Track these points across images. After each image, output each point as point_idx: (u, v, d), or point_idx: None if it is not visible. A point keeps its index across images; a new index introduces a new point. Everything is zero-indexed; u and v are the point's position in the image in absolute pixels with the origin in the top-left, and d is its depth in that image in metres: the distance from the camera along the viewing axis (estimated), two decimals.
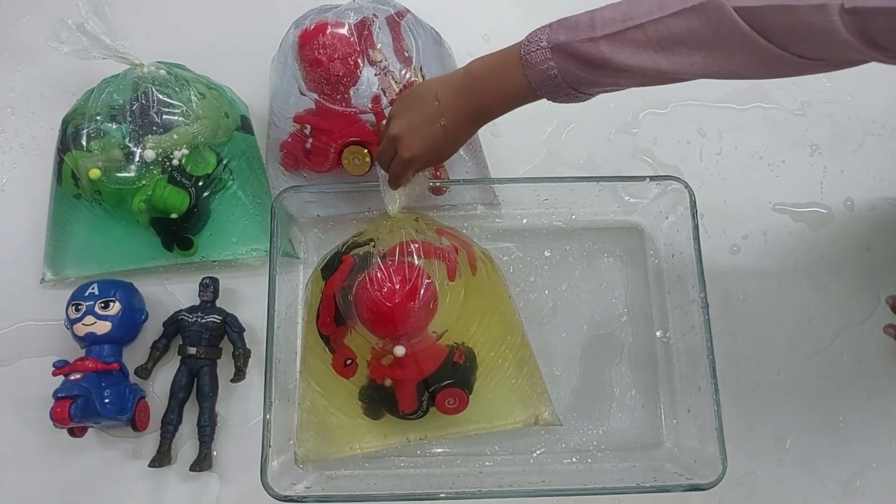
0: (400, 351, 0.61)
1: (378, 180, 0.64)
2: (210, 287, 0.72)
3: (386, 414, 0.66)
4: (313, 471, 0.68)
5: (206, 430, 0.69)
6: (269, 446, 0.63)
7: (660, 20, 0.49)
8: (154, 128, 0.70)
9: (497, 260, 0.73)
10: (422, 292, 0.61)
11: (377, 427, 0.67)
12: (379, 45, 0.69)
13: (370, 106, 0.69)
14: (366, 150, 0.69)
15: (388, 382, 0.64)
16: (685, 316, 0.71)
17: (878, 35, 0.44)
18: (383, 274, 0.61)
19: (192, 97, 0.72)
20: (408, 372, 0.63)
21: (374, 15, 0.69)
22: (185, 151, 0.70)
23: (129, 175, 0.70)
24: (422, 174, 0.64)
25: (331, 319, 0.65)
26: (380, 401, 0.65)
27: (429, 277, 0.62)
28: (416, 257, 0.62)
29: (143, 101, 0.70)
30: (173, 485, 0.70)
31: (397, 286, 0.60)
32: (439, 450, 0.70)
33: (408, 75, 0.69)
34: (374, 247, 0.64)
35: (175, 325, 0.72)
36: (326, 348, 0.66)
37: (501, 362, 0.67)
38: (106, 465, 0.71)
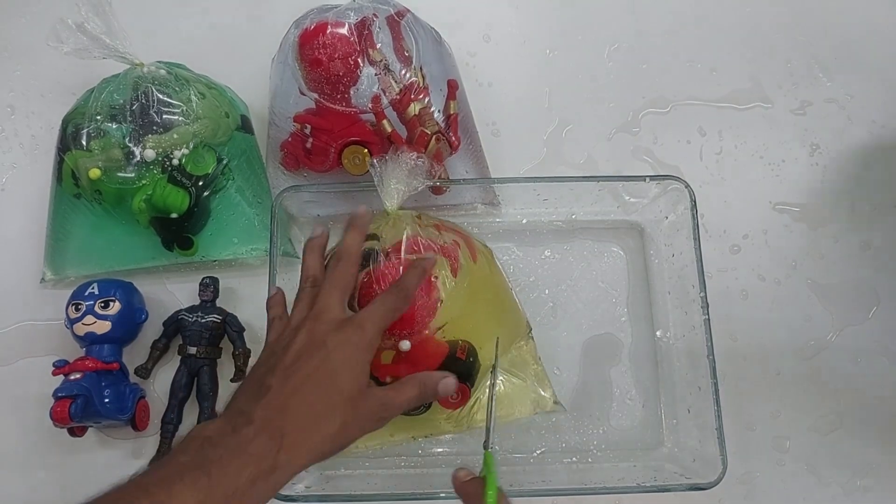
0: (406, 345, 0.61)
1: (376, 179, 0.64)
2: (210, 287, 0.72)
3: (401, 430, 0.66)
4: (313, 471, 0.68)
5: None
6: None
7: None
8: (154, 127, 0.70)
9: (497, 260, 0.73)
10: (427, 289, 0.61)
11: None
12: (379, 45, 0.69)
13: (370, 106, 0.69)
14: (366, 150, 0.69)
15: (389, 380, 0.64)
16: (685, 316, 0.71)
17: None
18: (389, 271, 0.61)
19: (192, 97, 0.72)
20: (410, 369, 0.62)
21: (374, 15, 0.69)
22: (186, 151, 0.70)
23: (130, 175, 0.70)
24: (419, 169, 0.63)
25: None
26: None
27: (435, 276, 0.62)
28: (422, 253, 0.62)
29: (144, 101, 0.70)
30: None
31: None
32: (439, 449, 0.70)
33: (408, 75, 0.69)
34: (378, 242, 0.63)
35: (175, 325, 0.72)
36: None
37: (503, 353, 0.67)
38: (106, 464, 0.71)
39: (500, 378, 0.67)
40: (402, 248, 0.62)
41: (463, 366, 0.64)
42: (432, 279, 0.61)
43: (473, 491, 0.50)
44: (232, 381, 0.70)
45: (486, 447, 0.54)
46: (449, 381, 0.54)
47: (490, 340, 0.66)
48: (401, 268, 0.61)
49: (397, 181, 0.63)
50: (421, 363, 0.62)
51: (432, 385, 0.53)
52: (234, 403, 0.48)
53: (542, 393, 0.69)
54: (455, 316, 0.63)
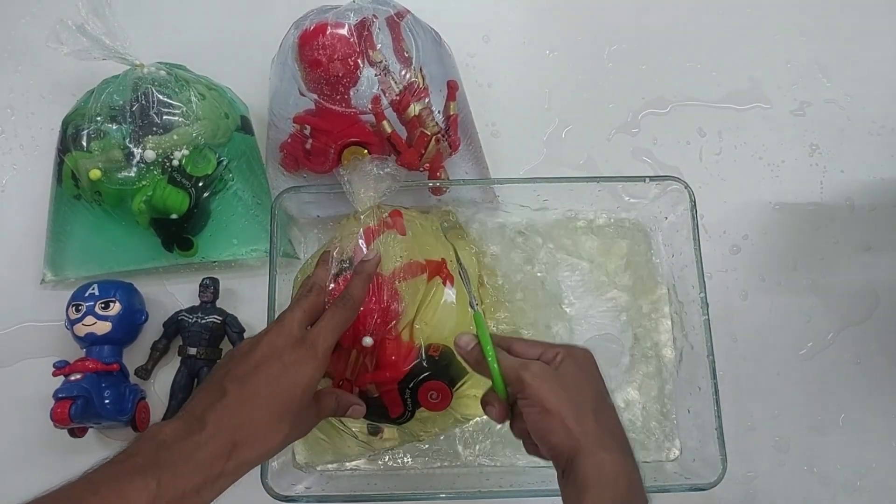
0: (368, 341, 0.61)
1: (345, 188, 0.64)
2: (210, 287, 0.72)
3: (384, 430, 0.66)
4: (314, 471, 0.68)
5: None
6: None
7: None
8: (154, 128, 0.70)
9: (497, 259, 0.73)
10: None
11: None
12: (379, 46, 0.69)
13: (370, 106, 0.69)
14: (366, 151, 0.70)
15: (374, 393, 0.63)
16: (685, 316, 0.71)
17: None
18: (335, 285, 0.61)
19: (192, 98, 0.72)
20: (385, 373, 0.62)
21: (374, 15, 0.69)
22: (185, 152, 0.70)
23: (130, 176, 0.70)
24: (385, 175, 0.63)
25: None
26: (373, 412, 0.65)
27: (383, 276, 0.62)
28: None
29: (143, 102, 0.70)
30: None
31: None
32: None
33: (407, 76, 0.69)
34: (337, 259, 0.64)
35: (175, 326, 0.72)
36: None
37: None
38: None
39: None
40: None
41: (437, 363, 0.63)
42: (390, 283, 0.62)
43: (476, 357, 0.54)
44: None
45: (472, 307, 0.56)
46: (358, 409, 0.58)
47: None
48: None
49: (365, 188, 0.64)
50: (394, 365, 0.62)
51: (345, 403, 0.58)
52: (192, 403, 0.50)
53: None
54: (413, 310, 0.63)
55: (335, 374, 0.65)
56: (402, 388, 0.62)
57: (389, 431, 0.67)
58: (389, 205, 0.68)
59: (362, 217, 0.64)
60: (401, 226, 0.65)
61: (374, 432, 0.66)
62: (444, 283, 0.65)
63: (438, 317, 0.63)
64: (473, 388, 0.64)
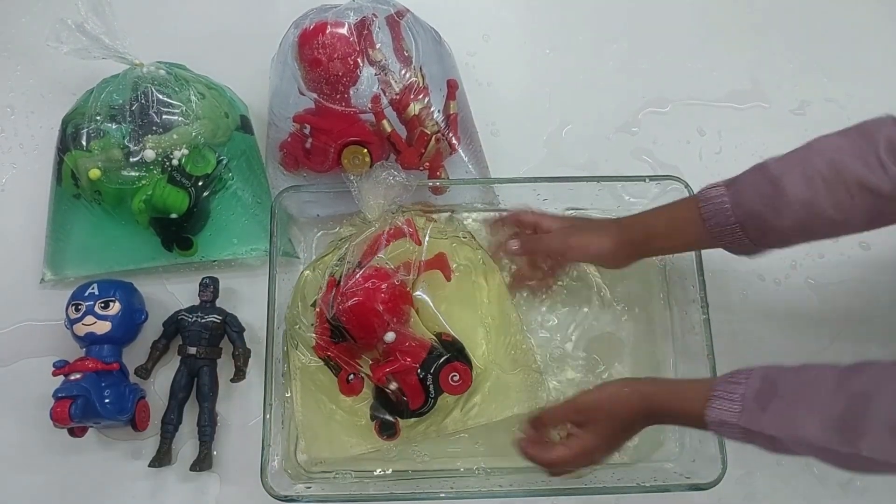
0: (390, 336, 0.63)
1: (354, 194, 0.66)
2: (210, 287, 0.72)
3: (401, 432, 0.66)
4: (313, 471, 0.68)
5: (206, 430, 0.69)
6: (269, 446, 0.63)
7: None
8: (154, 128, 0.70)
9: (496, 259, 0.73)
10: (383, 286, 0.63)
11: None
12: (378, 45, 0.69)
13: (370, 105, 0.69)
14: (365, 150, 0.69)
15: (392, 387, 0.64)
16: (685, 316, 0.71)
17: None
18: (345, 283, 0.63)
19: (192, 97, 0.72)
20: (406, 359, 0.63)
21: (374, 14, 0.69)
22: (185, 151, 0.70)
23: (129, 175, 0.70)
24: (397, 185, 0.65)
25: (327, 340, 0.66)
26: (391, 407, 0.65)
27: (392, 274, 0.64)
28: (381, 254, 0.65)
29: (143, 101, 0.70)
30: (173, 485, 0.70)
31: (358, 289, 0.63)
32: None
33: (407, 75, 0.69)
34: (347, 259, 0.66)
35: (175, 325, 0.72)
36: (330, 369, 0.67)
37: (495, 355, 0.68)
38: (106, 465, 0.71)
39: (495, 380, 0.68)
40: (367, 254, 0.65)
41: (453, 345, 0.65)
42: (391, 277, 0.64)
43: None
44: (232, 381, 0.70)
45: None
46: None
47: (480, 338, 0.67)
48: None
49: (375, 196, 0.65)
50: (412, 353, 0.63)
51: None
52: None
53: (538, 394, 0.69)
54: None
55: (342, 368, 0.65)
56: (424, 376, 0.63)
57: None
58: (408, 207, 0.69)
59: (374, 222, 0.66)
60: (415, 235, 0.66)
61: (392, 433, 0.66)
62: (444, 271, 0.67)
63: (445, 297, 0.66)
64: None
